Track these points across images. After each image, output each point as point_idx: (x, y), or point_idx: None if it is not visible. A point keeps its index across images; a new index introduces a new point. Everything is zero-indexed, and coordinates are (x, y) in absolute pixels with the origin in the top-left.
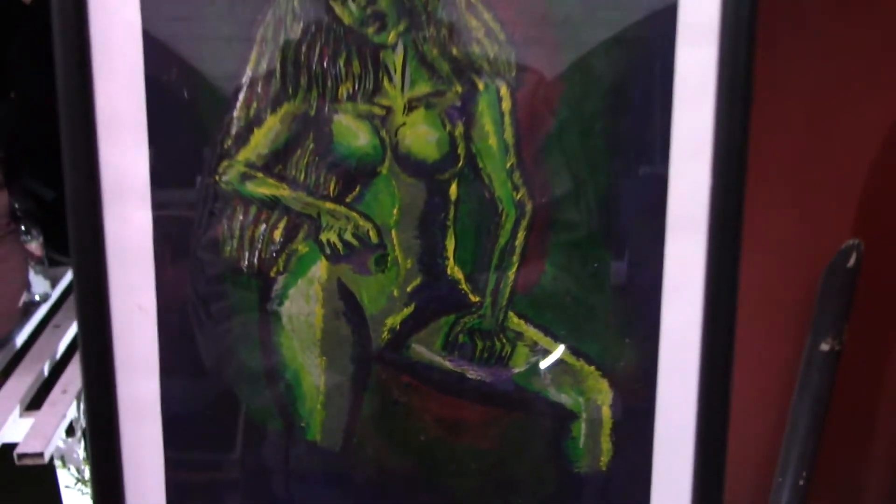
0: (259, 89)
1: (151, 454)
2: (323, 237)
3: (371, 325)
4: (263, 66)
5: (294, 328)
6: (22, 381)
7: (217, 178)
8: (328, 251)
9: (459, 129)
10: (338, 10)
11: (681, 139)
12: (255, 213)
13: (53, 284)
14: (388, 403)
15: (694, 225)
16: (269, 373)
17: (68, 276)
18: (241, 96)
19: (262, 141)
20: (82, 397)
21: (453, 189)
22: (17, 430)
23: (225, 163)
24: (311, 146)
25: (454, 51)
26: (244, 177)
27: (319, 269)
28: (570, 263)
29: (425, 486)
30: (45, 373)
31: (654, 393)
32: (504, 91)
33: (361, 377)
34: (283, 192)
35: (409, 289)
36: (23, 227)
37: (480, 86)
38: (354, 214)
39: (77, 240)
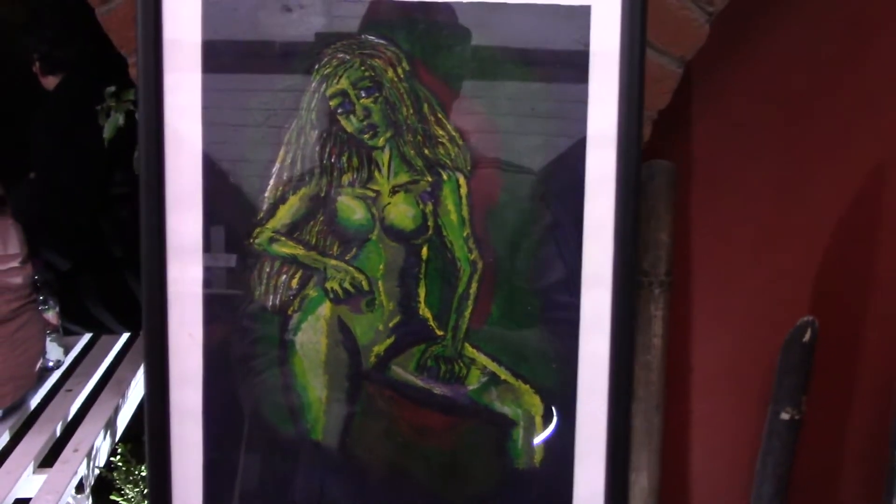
0: (284, 177)
1: (193, 449)
2: (328, 285)
3: (362, 352)
4: (288, 161)
5: (304, 353)
6: (35, 441)
7: (251, 240)
8: (332, 295)
9: (429, 208)
10: (343, 122)
11: (590, 217)
12: (279, 266)
13: (66, 352)
14: (374, 412)
15: (602, 281)
16: (285, 387)
17: (80, 344)
18: (272, 182)
19: (285, 214)
20: (145, 406)
21: (424, 251)
22: (30, 486)
23: (258, 230)
24: (322, 218)
25: (426, 151)
26: (271, 240)
27: (325, 308)
28: (510, 307)
29: (402, 476)
30: (58, 433)
31: (575, 406)
32: (462, 181)
33: (354, 391)
34: (300, 251)
35: (391, 324)
36: (41, 298)
37: (445, 177)
38: (351, 269)
39: (147, 284)
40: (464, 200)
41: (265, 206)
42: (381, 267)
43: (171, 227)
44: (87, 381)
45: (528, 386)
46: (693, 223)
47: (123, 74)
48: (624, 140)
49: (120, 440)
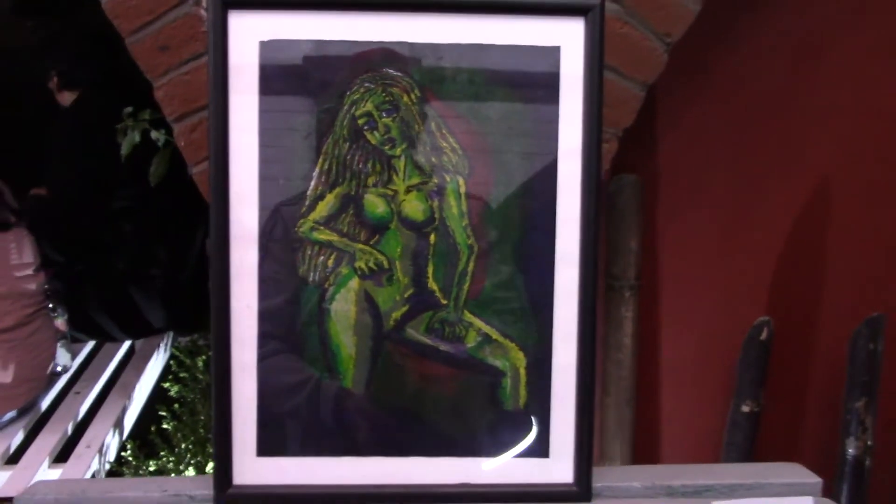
0: (323, 179)
1: (249, 399)
2: (357, 264)
3: (383, 317)
4: (325, 167)
5: (337, 318)
6: (49, 439)
7: (297, 229)
8: (359, 273)
9: (436, 203)
10: (368, 136)
11: (562, 210)
12: (318, 249)
13: (73, 357)
14: (392, 365)
15: (571, 261)
16: (323, 344)
17: (85, 350)
18: (312, 183)
19: (323, 208)
20: (212, 364)
21: (432, 237)
22: (47, 479)
23: (301, 220)
24: (352, 212)
25: (433, 159)
26: (312, 229)
27: (354, 283)
28: (500, 282)
29: (414, 416)
30: (69, 432)
31: (551, 359)
32: (461, 182)
33: (376, 348)
34: (334, 237)
35: (406, 295)
36: (50, 306)
37: (448, 179)
38: (375, 251)
39: (216, 264)
40: (463, 198)
41: (307, 203)
42: (399, 250)
43: (234, 219)
44: (94, 385)
45: (514, 344)
46: (659, 231)
47: (138, 94)
48: (586, 153)
49: (128, 438)
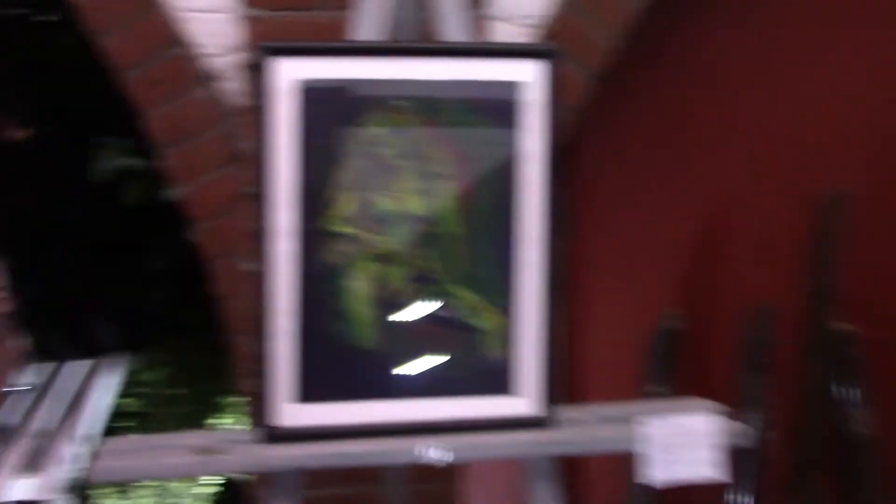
0: (344, 184)
1: (285, 354)
2: (371, 250)
3: (392, 290)
4: (347, 174)
5: (356, 292)
6: (18, 452)
7: (324, 223)
8: (373, 256)
9: (433, 201)
10: (380, 151)
11: (526, 203)
12: (341, 238)
13: (38, 376)
14: (400, 327)
15: (533, 241)
16: (345, 312)
17: (48, 371)
18: (336, 188)
19: (345, 207)
20: (257, 330)
21: (430, 227)
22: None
23: (328, 216)
24: (368, 209)
25: (429, 168)
26: (337, 222)
27: (369, 264)
28: (481, 260)
29: (416, 367)
30: (36, 446)
31: (522, 320)
32: (452, 184)
33: (387, 314)
34: (354, 230)
35: (410, 273)
36: (15, 327)
37: (441, 182)
38: (386, 240)
39: (264, 254)
40: (454, 197)
41: (332, 202)
42: (404, 238)
43: (276, 218)
44: (59, 402)
45: (495, 308)
46: (585, 239)
47: (95, 126)
48: (543, 157)
49: None
